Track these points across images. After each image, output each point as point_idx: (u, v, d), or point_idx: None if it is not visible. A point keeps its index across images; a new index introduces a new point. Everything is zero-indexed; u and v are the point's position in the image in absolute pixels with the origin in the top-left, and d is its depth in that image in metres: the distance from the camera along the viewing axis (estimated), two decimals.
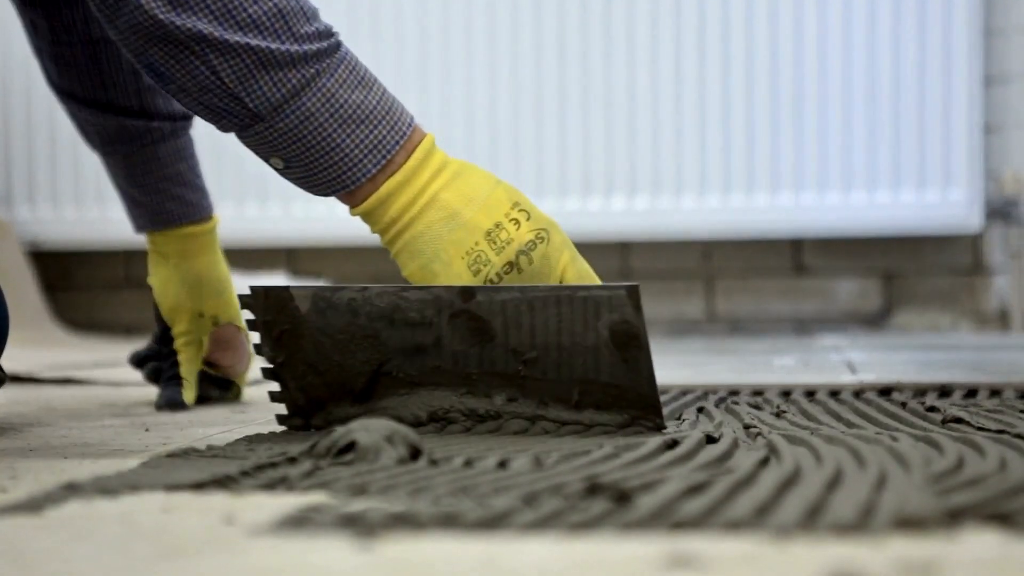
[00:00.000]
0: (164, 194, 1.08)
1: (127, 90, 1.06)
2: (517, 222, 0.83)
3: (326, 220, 2.14)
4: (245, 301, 0.83)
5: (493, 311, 0.79)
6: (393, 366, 0.81)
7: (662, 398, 1.00)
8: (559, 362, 0.79)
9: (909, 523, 0.49)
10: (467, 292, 0.79)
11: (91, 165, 2.10)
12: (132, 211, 1.10)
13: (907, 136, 2.11)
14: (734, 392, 1.04)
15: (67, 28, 1.04)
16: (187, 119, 1.10)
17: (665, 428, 0.79)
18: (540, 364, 0.79)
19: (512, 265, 0.82)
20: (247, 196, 2.19)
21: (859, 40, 2.11)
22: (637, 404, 0.79)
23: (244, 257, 2.13)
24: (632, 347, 0.78)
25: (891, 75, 2.11)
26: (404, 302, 0.80)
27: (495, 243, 0.82)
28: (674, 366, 1.43)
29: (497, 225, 0.82)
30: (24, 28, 1.07)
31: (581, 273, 0.85)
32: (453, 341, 0.80)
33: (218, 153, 1.91)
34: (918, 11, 2.10)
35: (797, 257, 2.22)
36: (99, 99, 1.06)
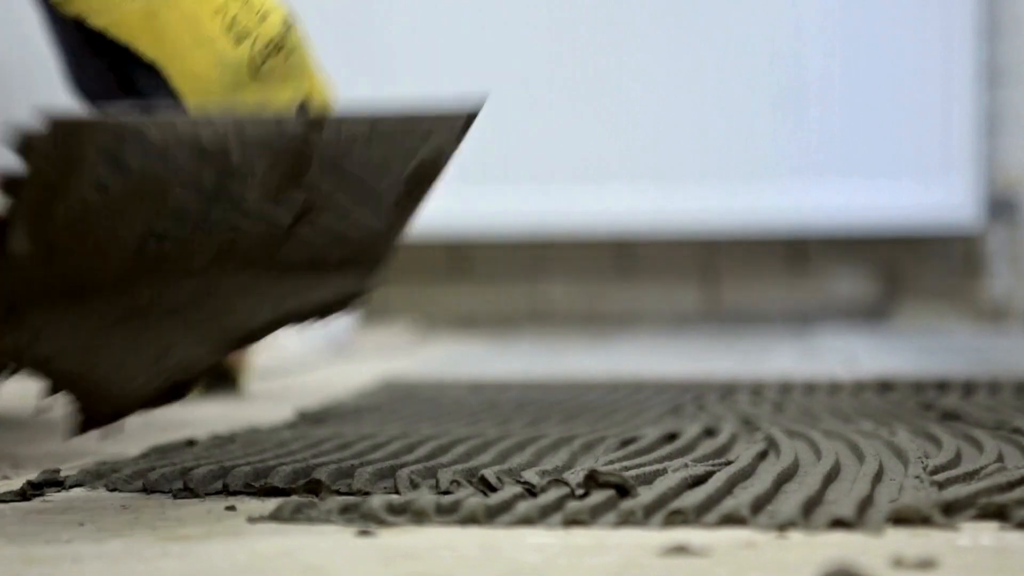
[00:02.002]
0: None
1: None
2: None
3: None
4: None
5: (339, 151, 0.50)
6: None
7: (663, 395, 1.01)
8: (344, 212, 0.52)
9: (907, 517, 0.49)
10: (315, 123, 0.49)
11: None
12: None
13: (909, 132, 2.11)
14: (733, 387, 1.05)
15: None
16: None
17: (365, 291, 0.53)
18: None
19: (276, 46, 0.57)
20: None
21: (861, 32, 2.11)
22: (360, 257, 0.54)
23: None
24: (422, 189, 0.56)
25: (893, 71, 2.11)
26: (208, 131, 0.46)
27: (248, 3, 0.57)
28: (673, 359, 1.44)
29: None
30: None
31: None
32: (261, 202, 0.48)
33: None
34: (920, 4, 2.10)
35: (798, 252, 2.22)
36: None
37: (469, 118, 0.56)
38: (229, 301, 0.47)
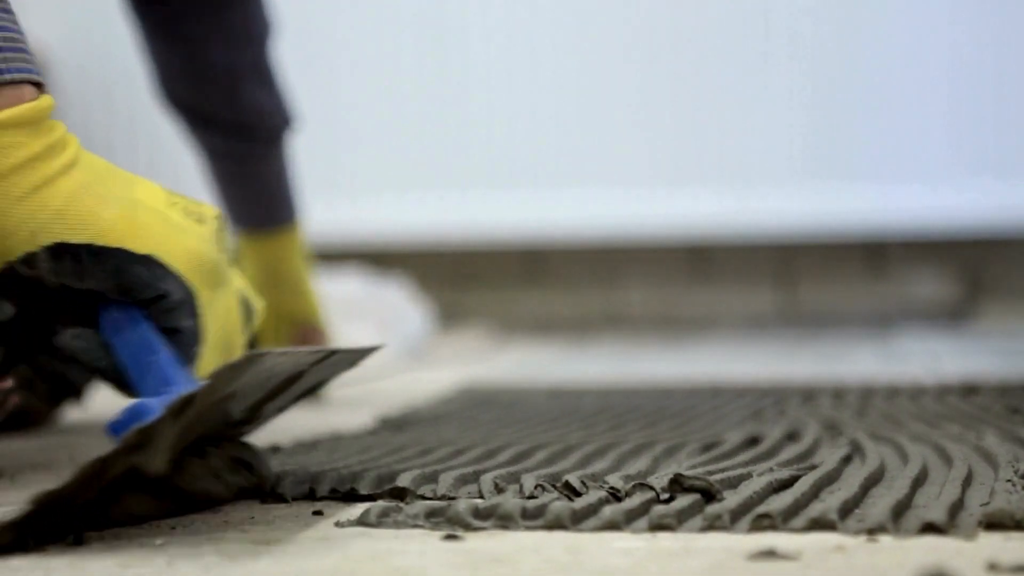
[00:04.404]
0: (250, 202, 1.10)
1: (223, 97, 1.06)
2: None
3: (411, 219, 2.16)
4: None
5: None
6: None
7: (743, 400, 1.00)
8: None
9: (1000, 521, 0.48)
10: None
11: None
12: (224, 208, 1.12)
13: (990, 132, 2.08)
14: (814, 390, 1.04)
15: (162, 24, 1.04)
16: (281, 131, 1.10)
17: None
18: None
19: (222, 220, 0.63)
20: (338, 195, 2.20)
21: (942, 34, 2.08)
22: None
23: (329, 257, 2.15)
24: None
25: (973, 71, 2.08)
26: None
27: (181, 195, 0.62)
28: (751, 363, 1.43)
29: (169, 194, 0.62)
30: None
31: None
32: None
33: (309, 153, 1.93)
34: (999, 5, 2.07)
35: (877, 254, 2.20)
36: (196, 106, 1.06)
37: (367, 352, 0.65)
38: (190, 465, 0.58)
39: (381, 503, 0.54)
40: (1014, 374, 1.18)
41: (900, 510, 0.51)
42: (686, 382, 1.16)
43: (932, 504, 0.52)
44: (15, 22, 0.59)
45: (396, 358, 1.59)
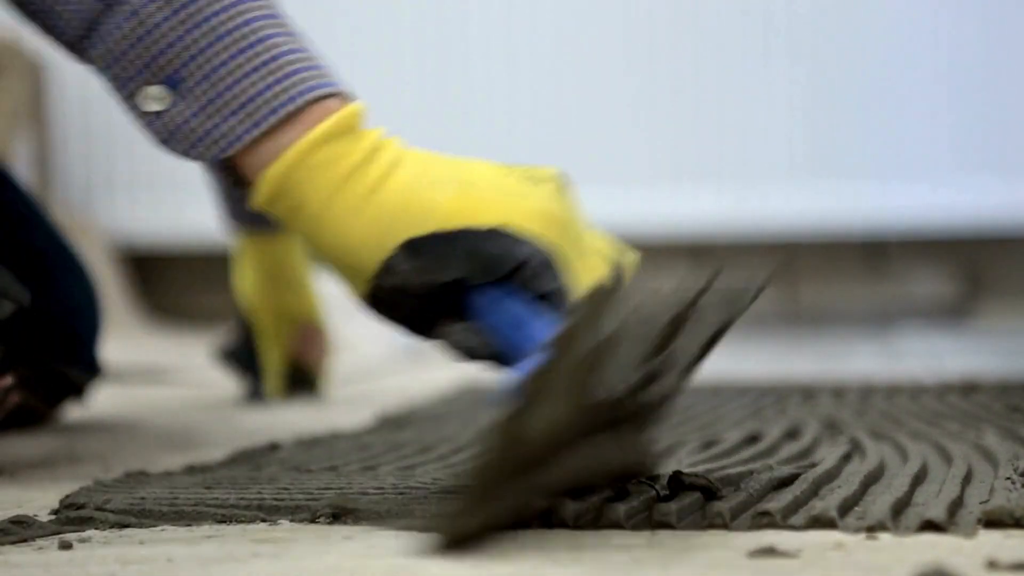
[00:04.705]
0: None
1: None
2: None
3: None
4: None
5: None
6: None
7: (743, 398, 1.00)
8: None
9: (999, 519, 0.48)
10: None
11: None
12: (224, 207, 1.12)
13: (990, 130, 2.08)
14: (814, 389, 1.04)
15: None
16: None
17: None
18: None
19: (563, 180, 0.60)
20: None
21: (942, 32, 2.08)
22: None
23: None
24: (707, 353, 0.59)
25: (975, 67, 2.08)
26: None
27: (511, 170, 0.59)
28: (752, 361, 1.43)
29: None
30: None
31: None
32: None
33: None
34: (997, 4, 2.07)
35: (877, 252, 2.20)
36: None
37: (760, 290, 0.58)
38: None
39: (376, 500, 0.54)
40: (1014, 372, 1.18)
41: (900, 508, 0.51)
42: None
43: (932, 502, 0.52)
44: (301, 42, 0.58)
45: (396, 356, 1.59)
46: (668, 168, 2.15)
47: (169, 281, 2.35)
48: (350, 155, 0.55)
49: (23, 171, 2.07)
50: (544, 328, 0.53)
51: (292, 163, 0.55)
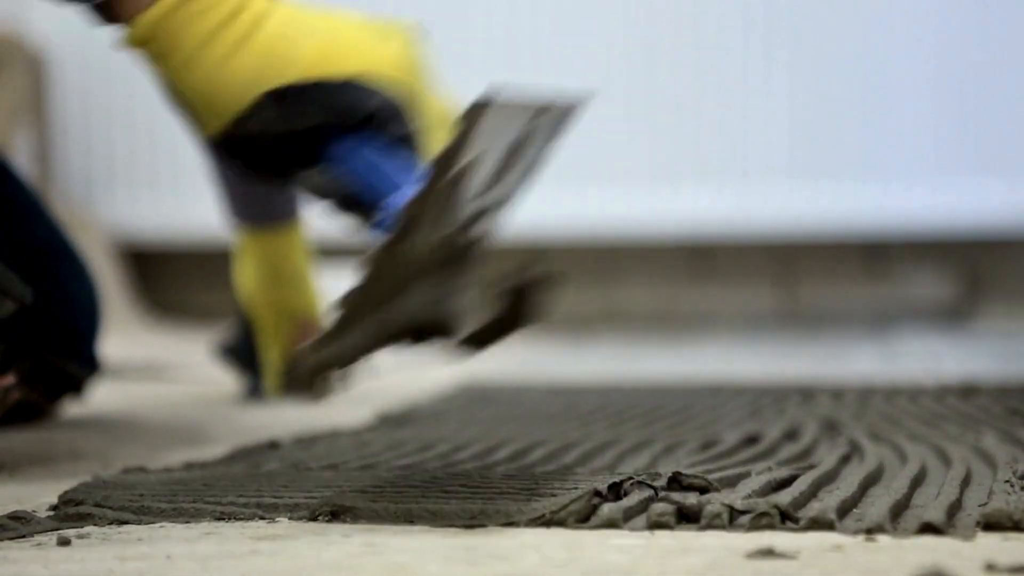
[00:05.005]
0: (252, 197, 1.10)
1: None
2: None
3: None
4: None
5: None
6: None
7: (742, 398, 1.00)
8: None
9: (998, 522, 0.48)
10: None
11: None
12: (226, 203, 1.12)
13: (990, 131, 2.08)
14: (813, 390, 1.04)
15: None
16: None
17: None
18: None
19: (412, 30, 0.65)
20: None
21: (941, 33, 2.08)
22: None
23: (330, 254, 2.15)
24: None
25: (974, 69, 2.08)
26: None
27: (369, 22, 0.64)
28: (751, 362, 1.43)
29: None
30: None
31: None
32: None
33: None
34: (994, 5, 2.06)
35: (877, 254, 2.20)
36: None
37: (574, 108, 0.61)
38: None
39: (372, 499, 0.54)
40: (1013, 375, 1.18)
41: (898, 510, 0.51)
42: (685, 380, 1.16)
43: (930, 504, 0.52)
44: None
45: (396, 355, 1.59)
46: (668, 169, 2.15)
47: (169, 277, 2.35)
48: (218, 8, 0.58)
49: (23, 166, 2.07)
50: (398, 169, 0.57)
51: (168, 9, 0.58)
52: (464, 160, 0.50)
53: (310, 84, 0.58)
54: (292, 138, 0.59)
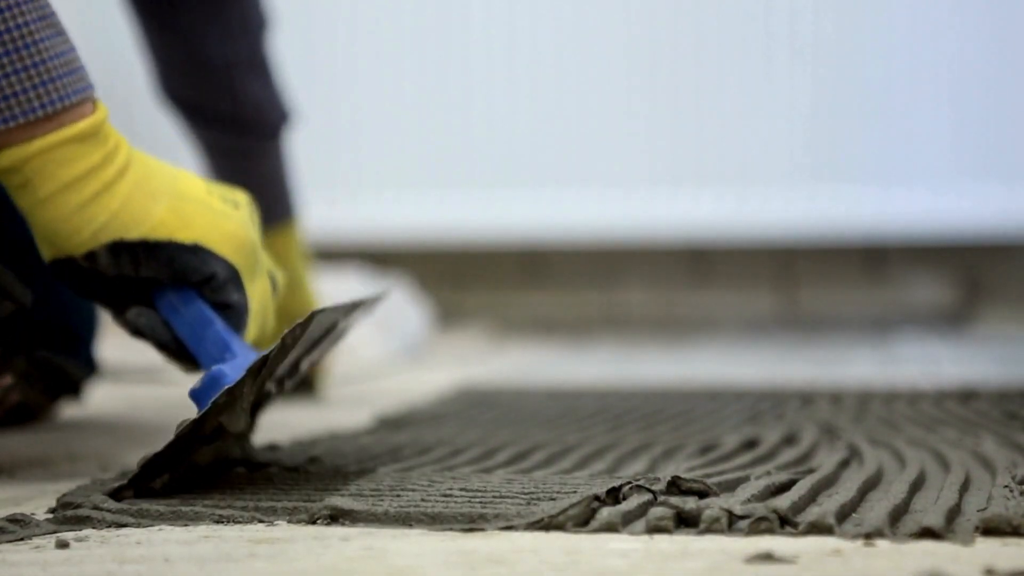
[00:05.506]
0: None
1: (221, 91, 1.06)
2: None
3: (410, 219, 2.16)
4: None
5: None
6: None
7: (741, 402, 1.00)
8: None
9: (997, 527, 0.48)
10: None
11: None
12: None
13: (989, 136, 2.08)
14: (812, 394, 1.04)
15: (159, 17, 1.05)
16: (279, 126, 1.10)
17: None
18: None
19: (252, 203, 0.70)
20: (338, 194, 2.20)
21: (940, 39, 2.08)
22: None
23: (328, 256, 2.15)
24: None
25: (973, 75, 2.08)
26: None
27: (215, 184, 0.68)
28: (750, 366, 1.43)
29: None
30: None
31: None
32: None
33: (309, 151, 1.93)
34: (994, 12, 2.07)
35: (876, 258, 2.20)
36: (194, 100, 1.07)
37: (379, 299, 0.74)
38: None
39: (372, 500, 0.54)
40: (1013, 379, 1.18)
41: (897, 515, 0.51)
42: (685, 384, 1.16)
43: (929, 509, 0.52)
44: (67, 41, 0.63)
45: (395, 358, 1.59)
46: (668, 172, 2.15)
47: None
48: (90, 157, 0.62)
49: None
50: (224, 329, 0.64)
51: (35, 152, 0.61)
52: (285, 361, 0.62)
53: (157, 243, 0.63)
54: (129, 281, 0.65)
